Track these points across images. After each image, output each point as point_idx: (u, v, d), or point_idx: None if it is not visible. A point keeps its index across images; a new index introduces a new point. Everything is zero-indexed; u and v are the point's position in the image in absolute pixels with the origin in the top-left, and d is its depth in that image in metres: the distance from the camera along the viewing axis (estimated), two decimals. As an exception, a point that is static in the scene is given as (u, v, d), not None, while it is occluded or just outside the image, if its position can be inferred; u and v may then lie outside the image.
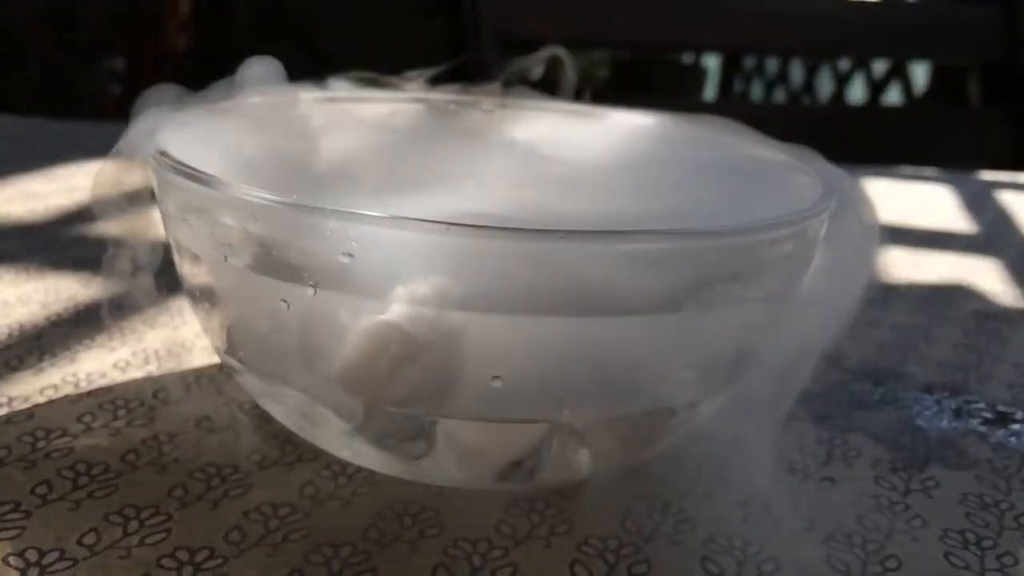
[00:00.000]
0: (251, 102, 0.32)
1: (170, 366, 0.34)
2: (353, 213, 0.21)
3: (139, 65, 1.79)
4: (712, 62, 2.49)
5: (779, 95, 2.24)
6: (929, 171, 0.80)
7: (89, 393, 0.31)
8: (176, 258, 0.27)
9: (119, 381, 0.32)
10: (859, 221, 0.27)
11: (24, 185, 0.55)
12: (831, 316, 0.27)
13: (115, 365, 0.33)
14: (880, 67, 1.63)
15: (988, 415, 0.35)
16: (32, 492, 0.26)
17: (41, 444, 0.28)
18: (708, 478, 0.29)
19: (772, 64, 2.27)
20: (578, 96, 0.36)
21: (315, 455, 0.29)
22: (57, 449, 0.28)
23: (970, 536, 0.27)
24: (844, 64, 1.83)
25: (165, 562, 0.23)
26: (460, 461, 0.25)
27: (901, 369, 0.38)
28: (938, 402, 0.35)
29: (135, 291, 0.27)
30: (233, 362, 0.27)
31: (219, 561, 0.24)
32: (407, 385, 0.23)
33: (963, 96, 1.48)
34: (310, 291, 0.22)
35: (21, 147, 0.65)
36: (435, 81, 0.36)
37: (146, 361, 0.34)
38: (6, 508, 0.25)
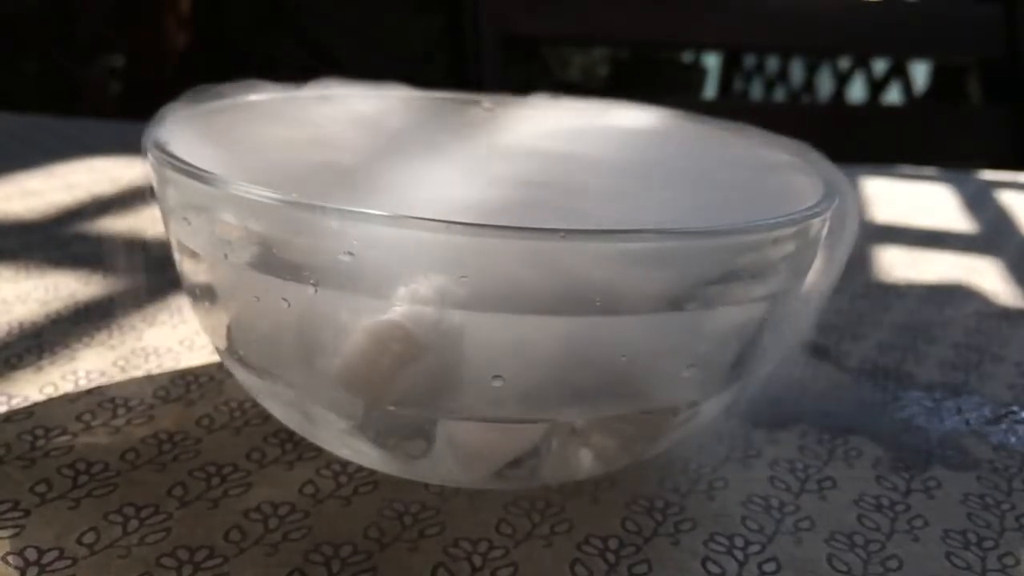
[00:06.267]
0: (251, 99, 0.32)
1: (170, 365, 0.34)
2: (354, 212, 0.21)
3: (139, 62, 1.78)
4: (712, 61, 2.49)
5: (779, 94, 2.25)
6: (929, 170, 0.80)
7: (89, 391, 0.31)
8: (176, 256, 0.27)
9: (119, 379, 0.32)
10: (841, 215, 0.27)
11: (24, 182, 0.55)
12: (807, 304, 0.28)
13: (115, 363, 0.33)
14: (880, 66, 1.63)
15: (989, 415, 0.35)
16: (31, 491, 0.26)
17: (40, 442, 0.28)
18: (708, 477, 0.29)
19: (772, 63, 2.27)
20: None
21: (315, 454, 0.28)
22: (56, 447, 0.28)
23: (971, 536, 0.27)
24: (845, 63, 1.84)
25: (165, 561, 0.23)
26: (461, 460, 0.25)
27: (902, 369, 0.38)
28: (939, 402, 0.35)
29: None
30: (233, 361, 0.27)
31: (219, 560, 0.24)
32: (408, 384, 0.23)
33: (963, 95, 1.48)
34: (311, 290, 0.22)
35: (20, 144, 0.64)
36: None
37: (146, 359, 0.34)
38: (5, 507, 0.25)
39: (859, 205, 0.28)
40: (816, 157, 0.30)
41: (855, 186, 0.28)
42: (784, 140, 0.31)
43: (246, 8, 1.81)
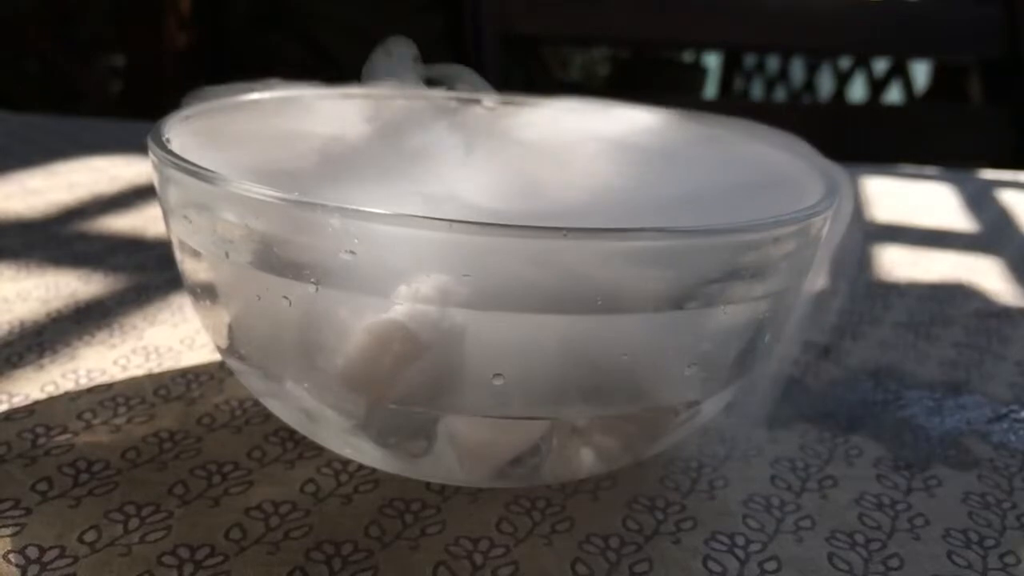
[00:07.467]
0: (252, 99, 0.32)
1: (171, 363, 0.34)
2: (355, 210, 0.21)
3: (139, 62, 1.78)
4: (713, 60, 2.49)
5: (780, 94, 2.25)
6: (930, 170, 0.80)
7: (90, 390, 0.31)
8: (177, 254, 0.27)
9: (120, 378, 0.32)
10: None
11: (24, 181, 0.55)
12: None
13: (116, 362, 0.33)
14: (881, 66, 1.63)
15: (990, 414, 0.35)
16: (33, 489, 0.26)
17: (41, 441, 0.28)
18: (709, 476, 0.29)
19: (773, 63, 2.27)
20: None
21: (316, 452, 0.28)
22: (58, 446, 0.28)
23: (972, 535, 0.27)
24: (845, 62, 1.84)
25: (166, 559, 0.23)
26: (461, 459, 0.25)
27: (902, 368, 0.38)
28: (940, 401, 0.35)
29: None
30: (234, 359, 0.27)
31: (220, 559, 0.24)
32: (409, 383, 0.23)
33: (964, 95, 1.48)
34: (312, 288, 0.22)
35: (21, 143, 0.64)
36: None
37: (147, 358, 0.34)
38: (6, 505, 0.25)
39: (852, 194, 0.28)
40: (810, 151, 0.30)
41: (848, 178, 0.28)
42: (777, 134, 0.31)
43: (246, 8, 1.81)
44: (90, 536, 0.24)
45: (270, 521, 0.25)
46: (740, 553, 0.25)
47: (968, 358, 0.40)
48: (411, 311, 0.22)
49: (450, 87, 0.36)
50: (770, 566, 0.25)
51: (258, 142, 0.31)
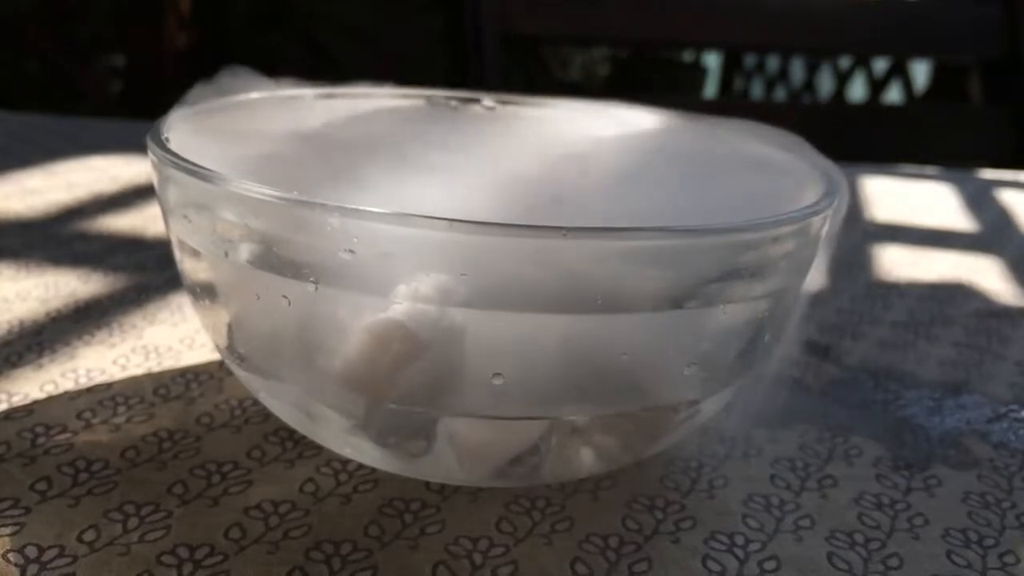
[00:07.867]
0: (252, 98, 0.32)
1: (170, 363, 0.34)
2: (355, 209, 0.21)
3: (139, 62, 1.78)
4: (712, 60, 2.49)
5: (780, 93, 2.25)
6: (930, 170, 0.80)
7: (89, 389, 0.31)
8: (176, 254, 0.27)
9: (119, 377, 0.32)
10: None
11: (24, 181, 0.55)
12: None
13: (115, 361, 0.33)
14: (881, 65, 1.63)
15: (990, 414, 0.35)
16: (32, 488, 0.26)
17: (41, 440, 0.28)
18: (709, 476, 0.29)
19: (773, 62, 2.27)
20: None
21: (315, 452, 0.28)
22: (57, 445, 0.28)
23: (972, 535, 0.27)
24: (845, 62, 1.84)
25: (165, 559, 0.23)
26: (461, 458, 0.25)
27: (902, 367, 0.38)
28: (939, 400, 0.35)
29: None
30: (233, 359, 0.27)
31: (219, 558, 0.24)
32: (409, 383, 0.23)
33: (964, 94, 1.48)
34: (311, 288, 0.22)
35: (21, 143, 0.64)
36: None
37: (146, 357, 0.34)
38: (6, 504, 0.25)
39: (847, 194, 0.28)
40: (810, 151, 0.30)
41: (844, 177, 0.28)
42: (777, 134, 0.31)
43: (246, 8, 1.81)
44: (89, 535, 0.24)
45: (269, 520, 0.25)
46: (739, 552, 0.25)
47: (968, 358, 0.40)
48: (410, 310, 0.22)
49: None
50: (769, 565, 0.25)
51: (257, 141, 0.31)
